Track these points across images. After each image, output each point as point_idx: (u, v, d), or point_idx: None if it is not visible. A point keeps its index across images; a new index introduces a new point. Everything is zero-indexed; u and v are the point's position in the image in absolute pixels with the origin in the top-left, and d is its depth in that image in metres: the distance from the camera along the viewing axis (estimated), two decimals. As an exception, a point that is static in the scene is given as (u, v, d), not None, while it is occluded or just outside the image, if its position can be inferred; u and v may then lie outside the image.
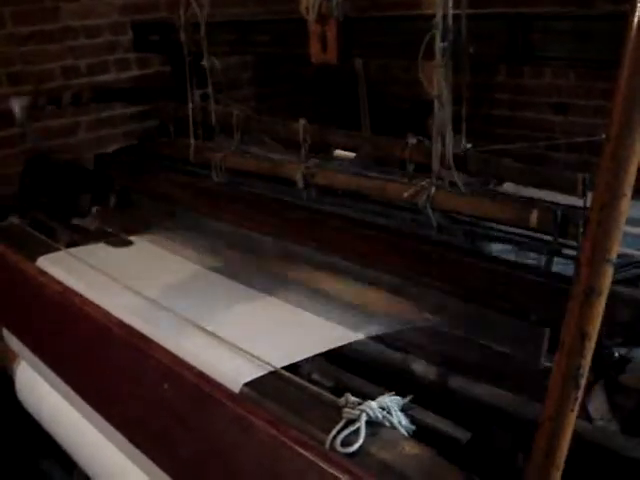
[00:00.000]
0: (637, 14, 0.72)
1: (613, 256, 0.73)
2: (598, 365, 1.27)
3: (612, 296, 1.33)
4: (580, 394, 0.76)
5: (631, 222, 1.85)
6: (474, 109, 5.32)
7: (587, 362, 0.76)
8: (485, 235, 1.71)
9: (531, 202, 1.58)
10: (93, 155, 3.23)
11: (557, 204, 1.56)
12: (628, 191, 0.71)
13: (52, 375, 1.92)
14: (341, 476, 1.13)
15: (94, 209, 2.73)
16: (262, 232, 2.07)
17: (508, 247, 1.69)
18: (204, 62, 2.46)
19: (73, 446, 1.94)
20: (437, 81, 1.76)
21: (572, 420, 0.78)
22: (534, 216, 1.49)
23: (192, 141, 2.53)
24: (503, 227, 1.72)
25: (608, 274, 0.73)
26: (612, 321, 1.29)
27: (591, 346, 0.75)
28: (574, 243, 1.49)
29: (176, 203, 2.46)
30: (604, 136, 0.78)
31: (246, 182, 2.33)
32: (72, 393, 1.82)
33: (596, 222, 0.71)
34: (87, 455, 1.86)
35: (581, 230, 1.47)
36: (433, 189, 1.71)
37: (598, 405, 1.27)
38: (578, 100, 4.29)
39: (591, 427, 1.26)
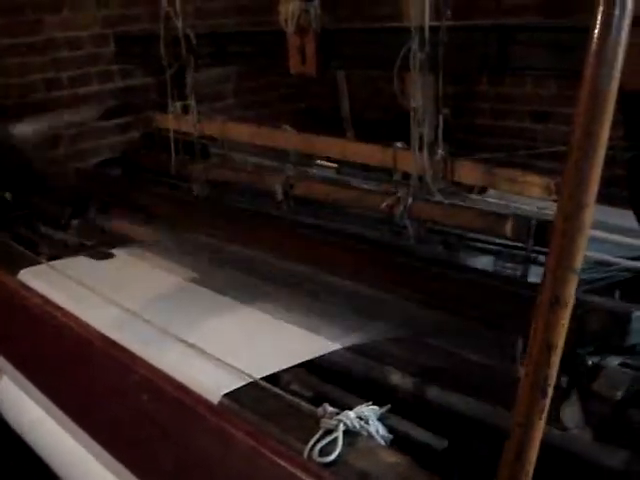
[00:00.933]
0: (596, 30, 0.73)
1: (578, 266, 0.74)
2: (571, 374, 1.29)
3: (584, 305, 1.36)
4: (548, 403, 0.78)
5: (621, 231, 1.89)
6: (456, 119, 5.37)
7: (554, 372, 0.77)
8: (464, 245, 1.73)
9: (506, 212, 1.60)
10: (75, 168, 3.25)
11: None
12: (591, 201, 0.72)
13: (34, 389, 1.92)
14: (319, 485, 1.14)
15: (74, 222, 2.73)
16: (241, 245, 2.08)
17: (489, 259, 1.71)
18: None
19: (55, 460, 1.93)
20: (415, 92, 1.77)
21: (540, 428, 0.79)
22: (509, 226, 1.51)
23: (173, 154, 2.54)
24: (482, 237, 1.75)
25: (573, 284, 0.74)
26: (584, 330, 1.32)
27: (557, 356, 0.76)
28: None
29: (156, 216, 2.47)
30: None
31: (227, 194, 2.35)
32: (54, 407, 1.81)
33: (560, 232, 0.73)
34: (69, 469, 1.86)
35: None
36: (410, 200, 1.72)
37: (572, 414, 1.28)
38: (559, 108, 4.32)
39: (566, 436, 1.27)
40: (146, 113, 3.34)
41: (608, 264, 1.69)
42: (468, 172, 1.78)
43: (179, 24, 2.42)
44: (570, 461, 1.24)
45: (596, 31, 0.73)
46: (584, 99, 0.74)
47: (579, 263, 0.74)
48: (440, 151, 1.81)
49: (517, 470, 0.81)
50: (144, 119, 3.29)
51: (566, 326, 0.76)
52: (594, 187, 0.73)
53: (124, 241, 2.44)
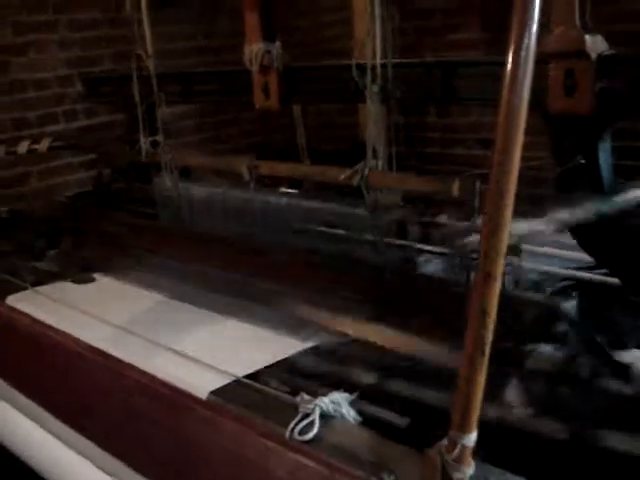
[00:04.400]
0: (509, 66, 0.95)
1: (503, 250, 0.95)
2: (511, 359, 1.51)
3: (520, 300, 1.59)
4: (486, 361, 0.98)
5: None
6: (408, 148, 5.67)
7: (489, 334, 0.97)
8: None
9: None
10: (46, 202, 3.41)
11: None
12: (510, 202, 0.94)
13: (27, 403, 2.07)
14: (300, 458, 1.33)
15: (50, 252, 2.89)
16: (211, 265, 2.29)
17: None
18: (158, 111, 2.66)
19: (52, 471, 2.07)
20: (368, 122, 1.99)
21: (482, 381, 1.00)
22: (455, 186, 1.74)
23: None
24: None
25: (500, 263, 0.95)
26: (520, 321, 1.55)
27: (491, 321, 0.97)
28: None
29: (128, 243, 2.66)
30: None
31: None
32: (49, 417, 1.97)
33: (488, 223, 0.94)
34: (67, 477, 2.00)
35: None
36: (367, 170, 1.93)
37: (514, 394, 1.49)
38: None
39: (510, 414, 1.47)
40: (110, 149, 3.52)
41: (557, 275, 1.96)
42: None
43: (151, 65, 2.62)
44: (515, 435, 1.44)
45: (509, 67, 0.95)
46: (502, 119, 0.96)
47: (504, 247, 0.95)
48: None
49: (464, 420, 1.02)
50: (111, 155, 3.47)
51: (497, 297, 0.97)
52: (512, 188, 0.95)
53: (102, 267, 2.60)
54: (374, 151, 2.06)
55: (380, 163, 2.06)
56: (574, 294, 1.70)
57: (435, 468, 1.06)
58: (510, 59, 0.95)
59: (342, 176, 2.00)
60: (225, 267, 2.24)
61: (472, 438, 1.04)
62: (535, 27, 0.96)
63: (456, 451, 1.04)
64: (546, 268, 2.02)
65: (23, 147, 3.46)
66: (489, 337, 0.97)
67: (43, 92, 4.50)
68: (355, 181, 1.96)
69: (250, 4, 2.33)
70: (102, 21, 4.64)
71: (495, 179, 0.95)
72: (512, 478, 1.24)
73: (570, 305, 1.61)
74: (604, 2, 3.97)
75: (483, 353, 0.97)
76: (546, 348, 1.54)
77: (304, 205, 2.24)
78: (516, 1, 0.96)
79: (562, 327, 1.56)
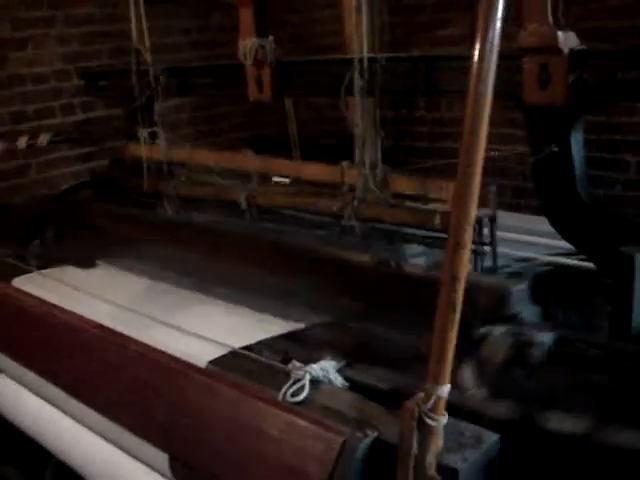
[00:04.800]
0: (475, 59, 1.08)
1: (471, 221, 1.08)
2: (466, 343, 1.63)
3: (475, 285, 1.71)
4: (457, 317, 1.11)
5: (534, 233, 2.26)
6: (397, 142, 5.77)
7: (459, 295, 1.10)
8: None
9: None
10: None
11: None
12: (477, 173, 1.07)
13: (35, 379, 2.19)
14: (291, 417, 1.46)
15: (50, 240, 3.00)
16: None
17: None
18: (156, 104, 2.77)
19: (58, 443, 2.18)
20: (356, 115, 2.11)
21: (453, 339, 1.13)
22: (437, 218, 1.86)
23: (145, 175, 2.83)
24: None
25: (469, 232, 1.08)
26: (475, 305, 1.66)
27: (461, 286, 1.09)
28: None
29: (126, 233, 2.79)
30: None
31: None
32: (55, 390, 2.09)
33: (458, 204, 1.07)
34: (74, 450, 2.11)
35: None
36: (356, 202, 2.06)
37: (468, 378, 1.60)
38: (498, 129, 4.70)
39: (464, 397, 1.55)
40: (107, 143, 3.63)
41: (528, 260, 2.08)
42: (405, 184, 2.12)
43: (149, 59, 2.74)
44: (471, 417, 1.48)
45: (475, 59, 1.08)
46: (470, 105, 1.09)
47: (472, 219, 1.08)
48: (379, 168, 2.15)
49: (439, 369, 1.15)
50: (107, 148, 3.58)
51: (466, 264, 1.10)
52: (476, 180, 1.08)
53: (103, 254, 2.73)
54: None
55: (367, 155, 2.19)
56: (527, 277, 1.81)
57: (412, 417, 1.19)
58: (476, 51, 1.08)
59: (334, 207, 2.12)
60: (213, 256, 2.38)
61: (445, 389, 1.17)
62: (499, 22, 1.09)
63: (431, 401, 1.17)
64: (522, 254, 2.15)
65: (22, 142, 3.57)
66: (459, 299, 1.10)
67: (41, 86, 4.61)
68: (346, 214, 2.08)
69: (244, 1, 2.45)
70: (99, 16, 4.76)
71: (464, 152, 1.08)
72: (486, 433, 1.37)
73: (521, 288, 1.73)
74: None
75: (454, 310, 1.10)
76: (497, 330, 1.65)
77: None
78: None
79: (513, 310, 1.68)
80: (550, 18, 1.79)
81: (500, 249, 2.00)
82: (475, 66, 1.09)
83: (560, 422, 1.45)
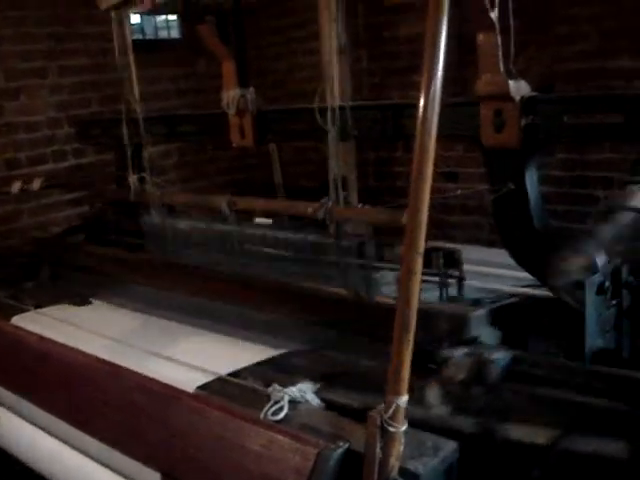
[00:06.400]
0: (421, 109, 1.26)
1: (421, 251, 1.25)
2: (430, 364, 1.79)
3: (438, 312, 1.88)
4: (411, 337, 1.28)
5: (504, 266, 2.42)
6: (378, 182, 5.93)
7: (412, 318, 1.27)
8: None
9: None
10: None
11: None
12: (424, 209, 1.24)
13: (33, 410, 2.33)
14: (271, 433, 1.61)
15: (45, 280, 3.16)
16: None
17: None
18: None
19: (56, 470, 2.31)
20: (331, 159, 2.29)
21: (409, 355, 1.29)
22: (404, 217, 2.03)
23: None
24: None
25: (419, 261, 1.25)
26: (439, 330, 1.84)
27: (413, 308, 1.26)
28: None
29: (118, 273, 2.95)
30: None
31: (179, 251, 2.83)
32: (53, 420, 2.23)
33: (409, 236, 1.25)
34: (71, 475, 2.24)
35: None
36: (330, 203, 2.24)
37: (433, 396, 1.76)
38: (466, 169, 4.89)
39: (428, 413, 1.72)
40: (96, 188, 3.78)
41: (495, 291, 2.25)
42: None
43: (138, 109, 2.92)
44: (435, 430, 1.63)
45: (421, 110, 1.26)
46: (417, 152, 1.27)
47: (421, 249, 1.25)
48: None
49: (398, 382, 1.31)
50: (98, 193, 3.73)
51: (418, 289, 1.27)
52: (426, 199, 1.25)
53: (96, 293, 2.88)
54: (343, 184, 2.35)
55: (351, 196, 2.36)
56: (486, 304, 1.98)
57: (375, 425, 1.35)
58: (421, 104, 1.26)
59: (309, 209, 2.29)
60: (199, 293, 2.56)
61: (404, 400, 1.33)
62: (440, 78, 1.27)
63: (391, 410, 1.33)
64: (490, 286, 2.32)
65: (16, 187, 3.72)
66: (413, 320, 1.26)
67: (34, 134, 4.77)
68: (320, 214, 2.25)
69: (226, 54, 2.65)
70: (89, 66, 4.93)
71: (414, 191, 1.26)
72: (445, 441, 1.53)
73: (479, 314, 1.90)
74: (550, 44, 4.36)
75: (408, 332, 1.26)
76: (459, 352, 1.82)
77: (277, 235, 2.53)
78: (425, 56, 1.28)
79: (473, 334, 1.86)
80: (502, 68, 1.98)
81: (469, 281, 2.18)
82: (420, 118, 1.27)
83: (516, 433, 1.61)
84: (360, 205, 2.33)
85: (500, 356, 1.77)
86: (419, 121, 1.29)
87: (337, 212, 2.25)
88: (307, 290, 2.24)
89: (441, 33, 1.33)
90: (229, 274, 2.51)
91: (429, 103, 1.26)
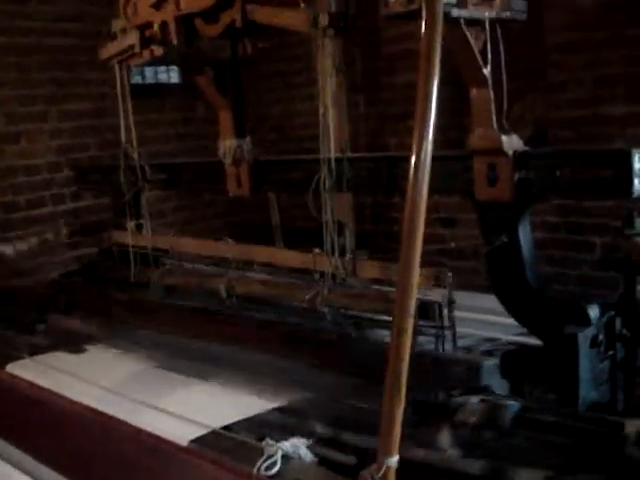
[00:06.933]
0: (412, 167, 1.28)
1: (412, 309, 1.26)
2: (443, 410, 1.81)
3: (452, 360, 1.89)
4: (402, 398, 1.28)
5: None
6: (375, 227, 5.95)
7: (404, 378, 1.27)
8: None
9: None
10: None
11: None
12: (415, 271, 1.26)
13: (26, 459, 2.32)
14: (265, 489, 1.61)
15: (40, 326, 3.16)
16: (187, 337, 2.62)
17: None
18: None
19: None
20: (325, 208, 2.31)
21: (400, 416, 1.29)
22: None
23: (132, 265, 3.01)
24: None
25: (410, 320, 1.26)
26: (453, 377, 1.85)
27: (405, 366, 1.27)
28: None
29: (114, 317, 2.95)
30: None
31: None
32: (46, 470, 2.22)
33: (400, 296, 1.26)
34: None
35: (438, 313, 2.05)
36: (326, 291, 2.24)
37: (446, 440, 1.77)
38: (463, 214, 4.92)
39: (444, 456, 1.74)
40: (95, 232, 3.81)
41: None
42: (369, 269, 2.31)
43: (136, 156, 2.95)
44: (448, 475, 1.68)
45: (412, 170, 1.28)
46: (409, 205, 1.29)
47: (412, 308, 1.26)
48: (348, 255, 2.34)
49: (388, 442, 1.32)
50: (96, 237, 3.75)
51: (409, 348, 1.27)
52: (417, 261, 1.27)
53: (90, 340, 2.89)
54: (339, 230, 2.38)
55: (348, 242, 2.38)
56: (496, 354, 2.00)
57: (367, 485, 1.35)
58: (412, 164, 1.29)
59: (307, 297, 2.32)
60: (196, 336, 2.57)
61: (394, 460, 1.33)
62: (430, 139, 1.30)
63: (382, 471, 1.33)
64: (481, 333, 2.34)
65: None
66: (404, 379, 1.27)
67: (33, 177, 4.80)
68: (317, 302, 2.28)
69: (223, 104, 2.68)
70: (89, 111, 4.98)
71: (405, 251, 1.28)
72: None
73: (491, 363, 1.91)
74: (544, 90, 4.40)
75: (399, 392, 1.27)
76: (472, 398, 1.83)
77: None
78: (416, 116, 1.30)
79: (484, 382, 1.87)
80: (494, 123, 2.01)
81: (465, 329, 2.20)
82: (411, 177, 1.29)
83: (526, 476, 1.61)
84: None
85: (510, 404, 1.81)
86: (410, 184, 1.31)
87: (333, 299, 2.27)
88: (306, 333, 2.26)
89: (432, 93, 1.36)
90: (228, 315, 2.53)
91: (420, 166, 1.28)
